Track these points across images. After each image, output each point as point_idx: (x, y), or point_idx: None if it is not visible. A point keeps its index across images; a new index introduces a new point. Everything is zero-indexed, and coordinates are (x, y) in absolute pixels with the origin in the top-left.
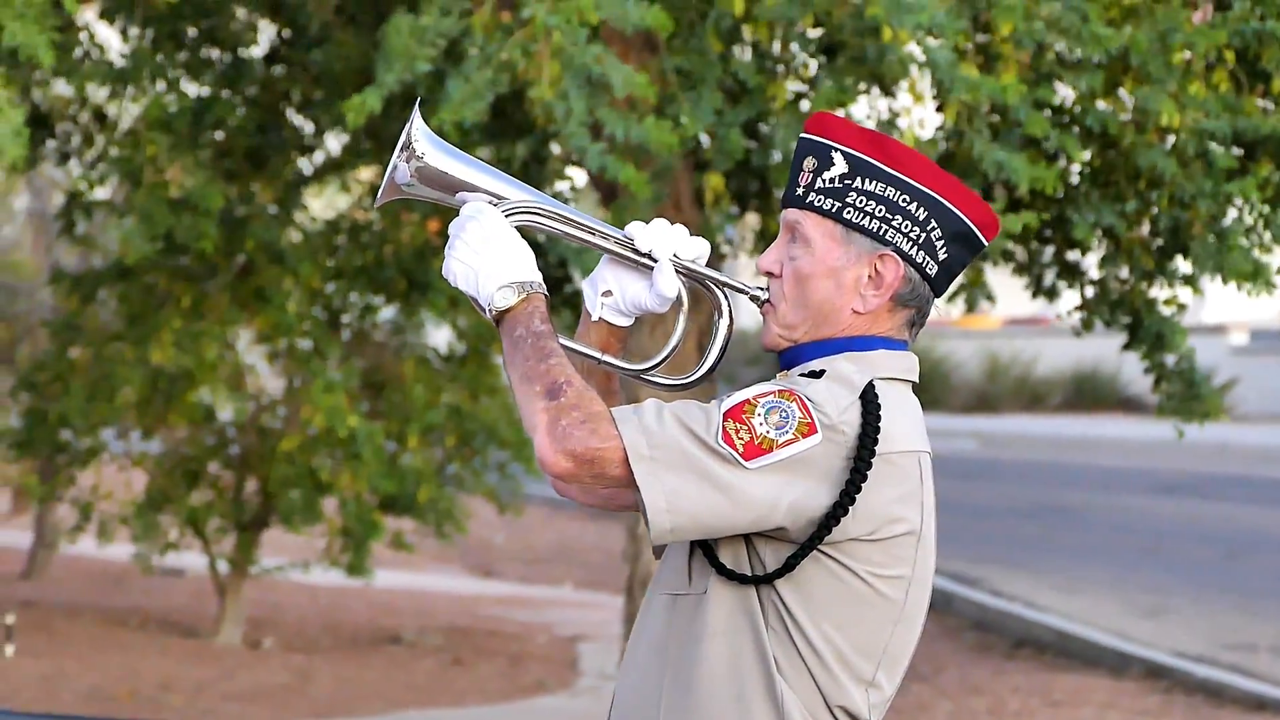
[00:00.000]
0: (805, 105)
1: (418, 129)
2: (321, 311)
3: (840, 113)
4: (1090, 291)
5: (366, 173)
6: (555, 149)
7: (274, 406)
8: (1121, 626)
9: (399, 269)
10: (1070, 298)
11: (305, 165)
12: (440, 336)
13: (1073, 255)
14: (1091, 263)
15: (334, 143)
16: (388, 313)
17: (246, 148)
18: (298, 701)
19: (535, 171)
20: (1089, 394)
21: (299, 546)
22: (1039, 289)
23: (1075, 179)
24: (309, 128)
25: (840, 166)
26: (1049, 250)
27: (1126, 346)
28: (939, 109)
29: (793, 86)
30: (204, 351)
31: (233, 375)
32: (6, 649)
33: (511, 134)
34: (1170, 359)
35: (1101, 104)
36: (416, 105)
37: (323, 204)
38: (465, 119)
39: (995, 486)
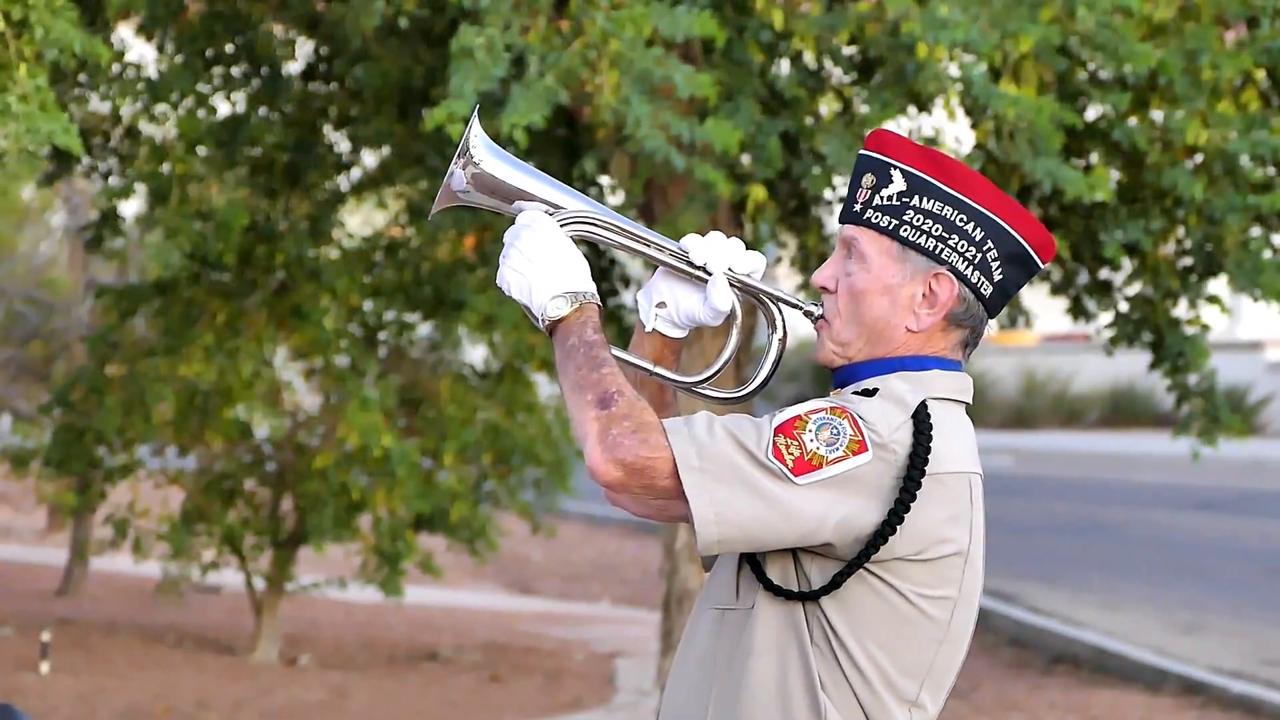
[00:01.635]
0: (851, 120)
1: (476, 135)
2: (358, 329)
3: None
4: (1122, 307)
5: (404, 189)
6: (595, 171)
7: (310, 424)
8: (1159, 642)
9: (435, 286)
10: (1104, 317)
11: (342, 182)
12: (476, 354)
13: (1104, 274)
14: (1122, 280)
15: (371, 159)
16: (424, 330)
17: (283, 164)
18: (335, 718)
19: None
20: (1126, 410)
21: (335, 563)
22: (1078, 310)
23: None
24: (345, 145)
25: (899, 184)
26: (1083, 271)
27: (1153, 366)
28: (973, 126)
29: (831, 105)
30: (241, 368)
31: (269, 392)
32: (42, 666)
33: (561, 154)
34: (1193, 379)
35: (1131, 121)
36: (475, 111)
37: (359, 221)
38: (532, 123)
39: (1032, 503)
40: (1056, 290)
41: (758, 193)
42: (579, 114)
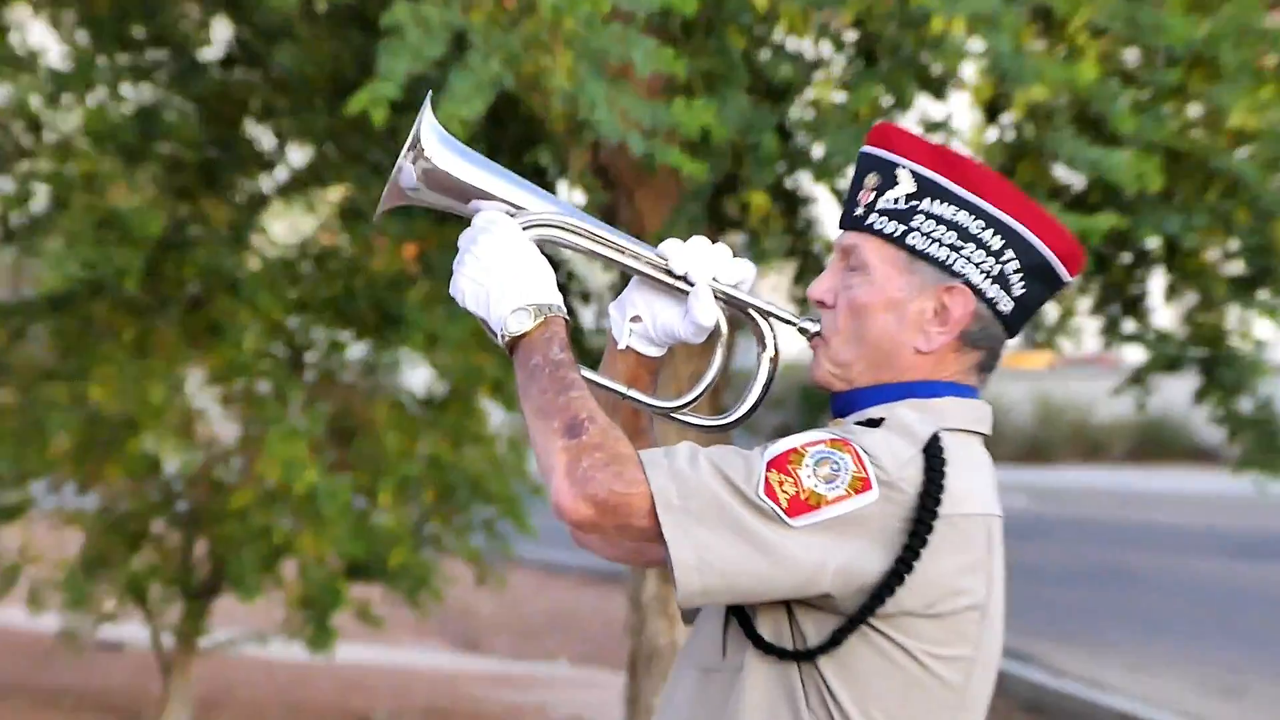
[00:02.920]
0: (855, 112)
1: (428, 125)
2: (282, 349)
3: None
4: (1159, 323)
5: (335, 192)
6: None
7: (227, 457)
8: (1195, 708)
9: (371, 301)
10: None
11: (266, 183)
12: (417, 377)
13: (1133, 289)
14: (1157, 292)
15: (299, 157)
16: (358, 350)
17: (198, 163)
18: None
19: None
20: (1156, 442)
21: (256, 616)
22: (1113, 331)
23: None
24: (270, 140)
25: (906, 185)
26: (1099, 284)
27: (1201, 395)
28: (991, 116)
29: (826, 93)
30: (149, 394)
31: (181, 421)
32: None
33: (509, 145)
34: (1247, 403)
35: (1166, 109)
36: (428, 99)
37: (285, 227)
38: (472, 112)
39: (1050, 548)
40: (1097, 306)
41: (759, 199)
42: (527, 102)
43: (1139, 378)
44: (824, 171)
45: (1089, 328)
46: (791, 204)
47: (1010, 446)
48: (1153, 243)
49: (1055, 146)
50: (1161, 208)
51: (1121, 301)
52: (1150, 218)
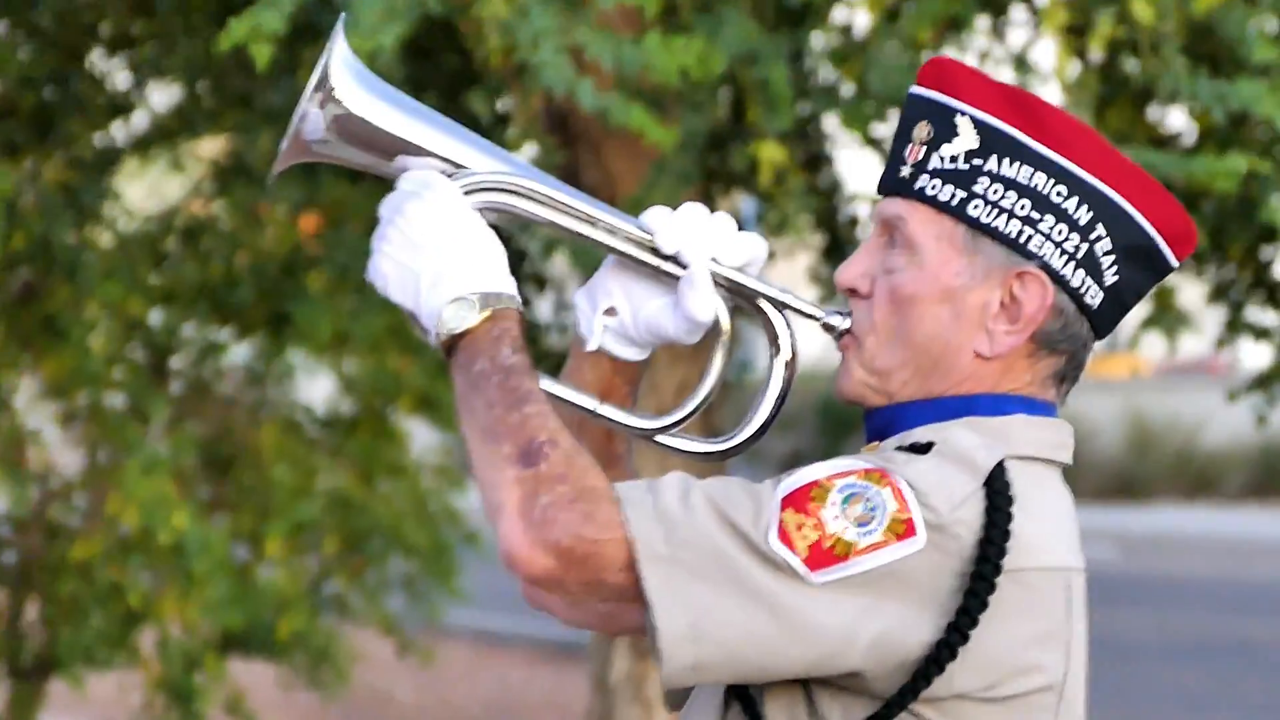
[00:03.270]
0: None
1: (339, 59)
2: (141, 352)
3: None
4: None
5: (210, 145)
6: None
7: (68, 494)
8: None
9: (257, 289)
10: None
11: (118, 133)
12: (317, 390)
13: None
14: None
15: (162, 99)
16: (240, 354)
17: (31, 107)
18: None
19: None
20: None
21: (104, 702)
22: (1235, 325)
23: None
24: (124, 78)
25: (967, 139)
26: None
27: None
28: (1077, 50)
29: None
30: None
31: (8, 446)
32: None
33: (441, 85)
34: None
35: None
36: (339, 24)
37: (143, 192)
38: (381, 46)
39: (1144, 612)
40: (1218, 292)
41: (769, 152)
42: (460, 30)
43: (1265, 381)
44: (856, 115)
45: (1195, 324)
46: (814, 161)
47: (1094, 480)
48: None
49: (1166, 81)
50: None
51: (1244, 287)
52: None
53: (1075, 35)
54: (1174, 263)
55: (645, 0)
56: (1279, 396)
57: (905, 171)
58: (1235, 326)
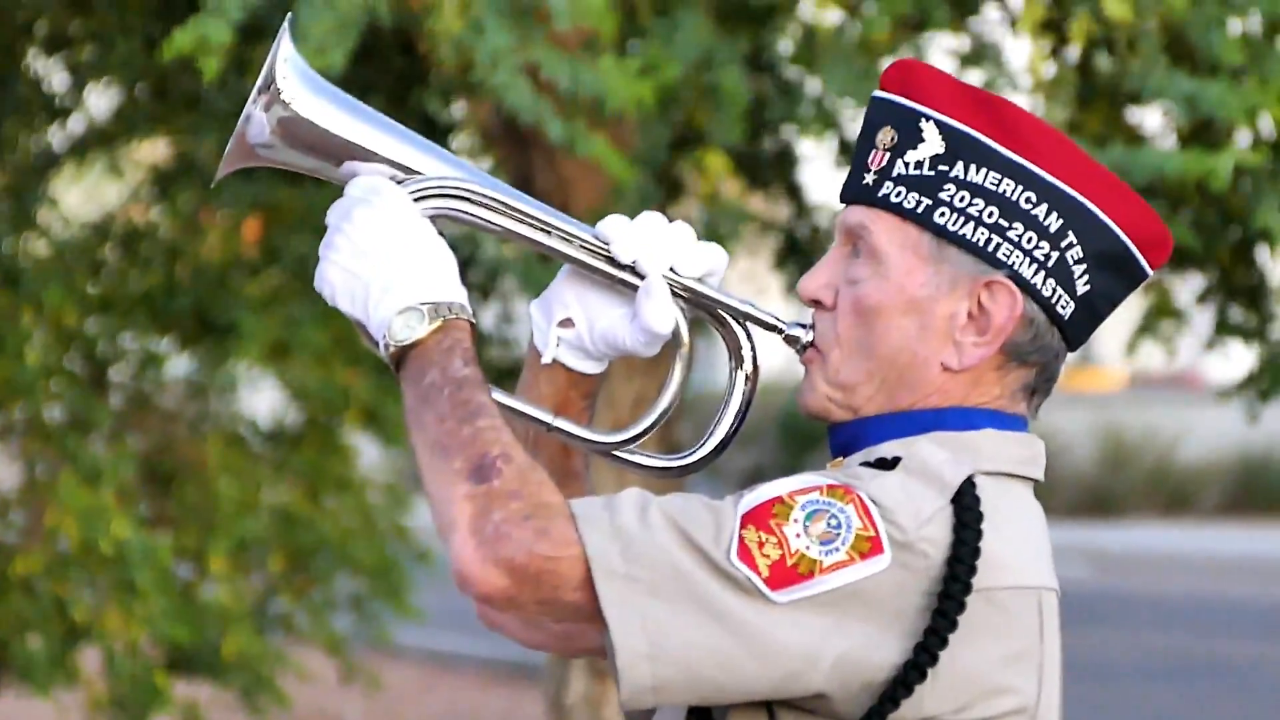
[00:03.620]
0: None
1: (285, 59)
2: (80, 363)
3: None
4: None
5: (149, 150)
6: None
7: (5, 509)
8: None
9: (198, 298)
10: (1239, 355)
11: (55, 137)
12: (261, 402)
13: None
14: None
15: (100, 103)
16: (180, 365)
17: None
18: None
19: None
20: (1261, 492)
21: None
22: (1224, 327)
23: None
24: (62, 79)
25: (933, 144)
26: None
27: None
28: (1053, 49)
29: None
30: None
31: None
32: None
33: (388, 87)
34: None
35: None
36: (286, 24)
37: (81, 197)
38: (333, 65)
39: (1118, 632)
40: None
41: (714, 162)
42: (412, 38)
43: (1254, 381)
44: (818, 120)
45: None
46: (783, 166)
47: (1067, 496)
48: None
49: (1141, 79)
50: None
51: (1228, 292)
52: (1270, 193)
53: (1051, 33)
54: (1148, 270)
55: (601, 22)
56: (1275, 394)
57: (869, 178)
58: (1223, 329)
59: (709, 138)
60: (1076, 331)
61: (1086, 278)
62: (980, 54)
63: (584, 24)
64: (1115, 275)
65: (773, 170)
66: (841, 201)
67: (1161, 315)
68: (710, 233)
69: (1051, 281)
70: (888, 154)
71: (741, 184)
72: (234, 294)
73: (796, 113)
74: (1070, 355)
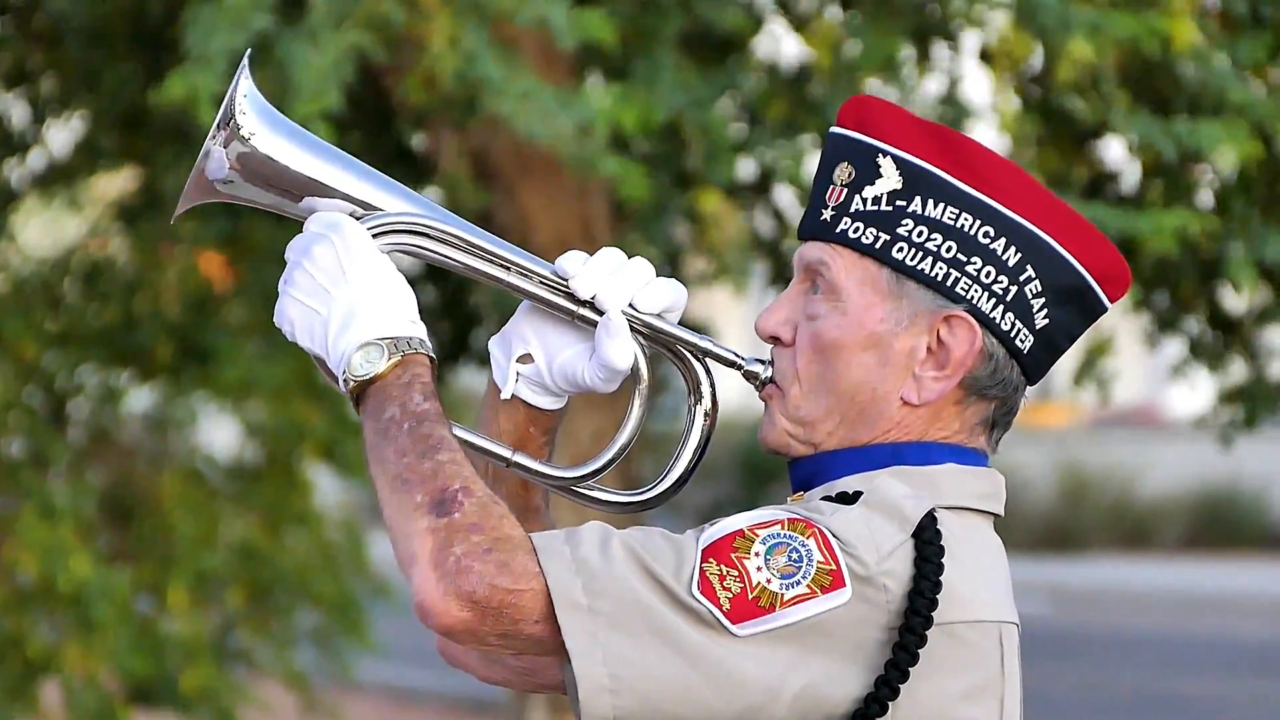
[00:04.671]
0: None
1: (245, 94)
2: (40, 397)
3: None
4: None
5: (110, 182)
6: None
7: None
8: None
9: (160, 332)
10: (1198, 387)
11: (13, 173)
12: (221, 436)
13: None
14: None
15: (61, 139)
16: (141, 399)
17: None
18: None
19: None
20: (1222, 526)
21: None
22: (1197, 348)
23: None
24: (21, 114)
25: (890, 180)
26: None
27: None
28: (1020, 89)
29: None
30: None
31: None
32: None
33: (365, 124)
34: None
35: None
36: (245, 61)
37: (39, 231)
38: (327, 108)
39: (1078, 668)
40: (1164, 324)
41: (710, 201)
42: (388, 78)
43: (1233, 405)
44: (793, 165)
45: (1131, 371)
46: (764, 188)
47: (1027, 531)
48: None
49: (1111, 122)
50: (1252, 217)
51: (1196, 323)
52: (1239, 232)
53: (1011, 71)
54: (1107, 303)
55: (604, 34)
56: (1258, 421)
57: (826, 215)
58: (1196, 351)
59: (707, 174)
60: (1036, 365)
61: (1045, 311)
62: (950, 97)
63: (590, 36)
64: (1074, 309)
65: (754, 191)
66: (799, 238)
67: (1100, 354)
68: (720, 273)
69: (1010, 315)
70: (845, 189)
71: (727, 208)
72: (197, 327)
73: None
74: (1030, 390)
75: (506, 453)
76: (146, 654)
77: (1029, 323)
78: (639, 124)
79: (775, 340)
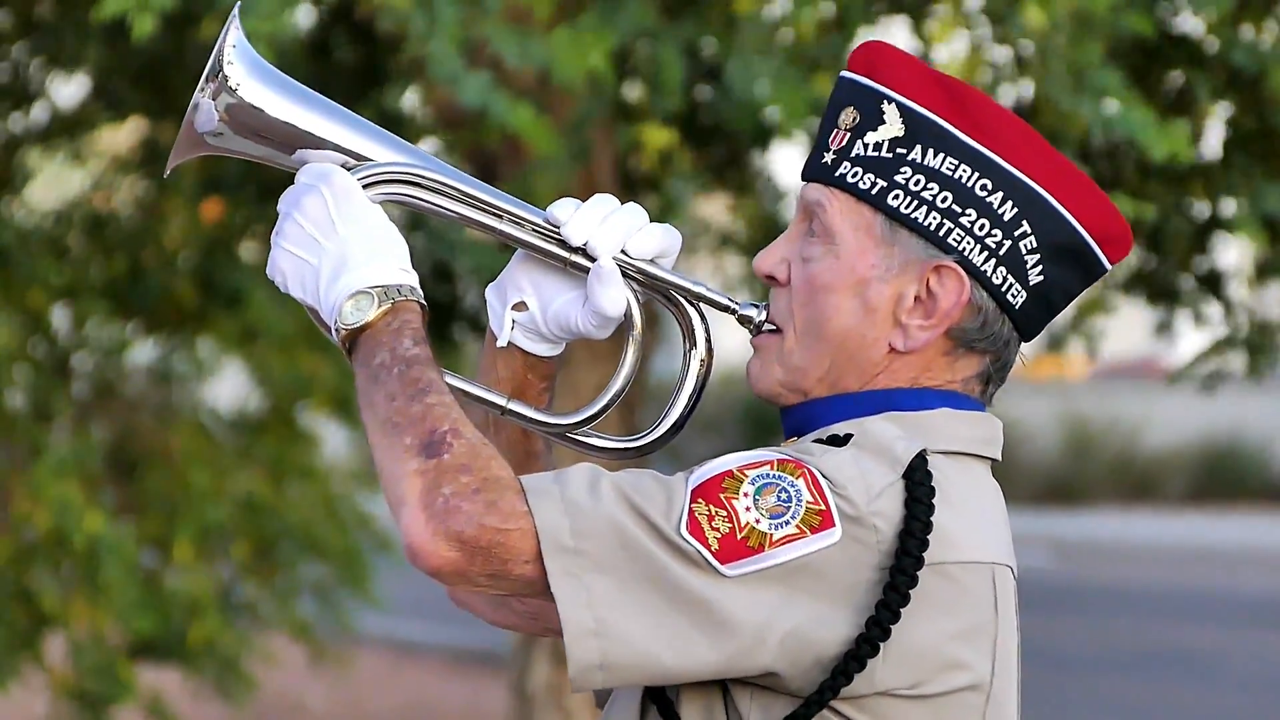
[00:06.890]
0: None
1: (234, 46)
2: (43, 349)
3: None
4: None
5: (113, 135)
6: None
7: None
8: None
9: (163, 284)
10: (1193, 338)
11: (17, 123)
12: (225, 390)
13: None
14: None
15: (67, 91)
16: (145, 352)
17: None
18: None
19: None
20: (1225, 478)
21: (13, 707)
22: (1178, 300)
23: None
24: (27, 67)
25: (893, 126)
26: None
27: None
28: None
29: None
30: None
31: None
32: None
33: (343, 84)
34: None
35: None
36: (235, 11)
37: (44, 184)
38: (280, 30)
39: (1080, 621)
40: (1147, 283)
41: (656, 137)
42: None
43: (1216, 350)
44: (742, 110)
45: (1132, 324)
46: (734, 153)
47: (1029, 484)
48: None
49: (1054, 97)
50: (1246, 173)
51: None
52: (1242, 190)
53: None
54: (1107, 265)
55: (536, 3)
56: (1258, 372)
57: (828, 157)
58: (1175, 299)
59: (651, 111)
60: (1029, 321)
61: (1040, 268)
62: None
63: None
64: (1071, 268)
65: (731, 166)
66: (802, 179)
67: (1093, 311)
68: (665, 203)
69: (1002, 270)
70: (848, 134)
71: (705, 181)
72: (200, 279)
73: (735, 115)
74: (1038, 341)
75: (501, 400)
76: (152, 609)
77: (1022, 278)
78: (604, 65)
79: (771, 279)
